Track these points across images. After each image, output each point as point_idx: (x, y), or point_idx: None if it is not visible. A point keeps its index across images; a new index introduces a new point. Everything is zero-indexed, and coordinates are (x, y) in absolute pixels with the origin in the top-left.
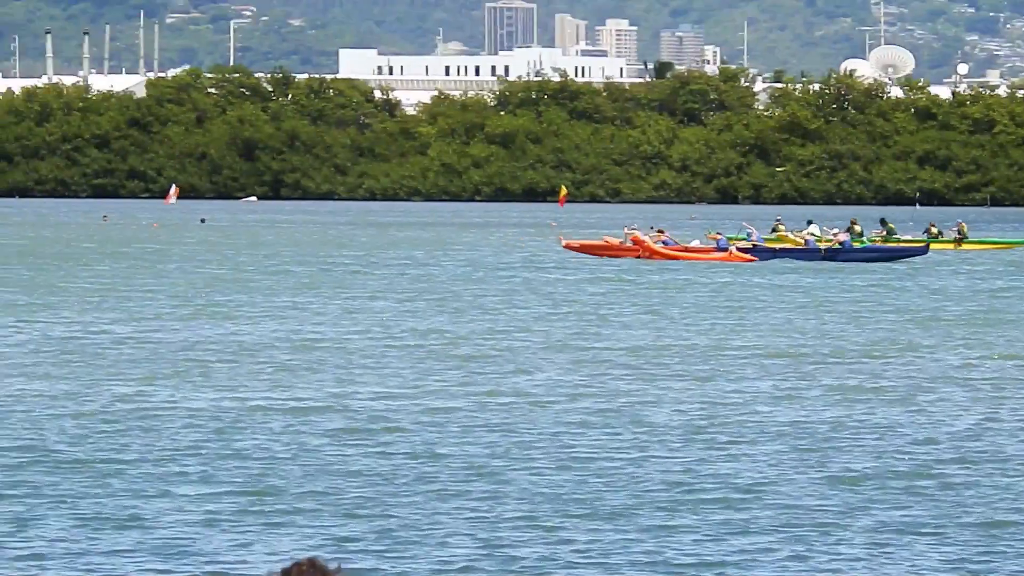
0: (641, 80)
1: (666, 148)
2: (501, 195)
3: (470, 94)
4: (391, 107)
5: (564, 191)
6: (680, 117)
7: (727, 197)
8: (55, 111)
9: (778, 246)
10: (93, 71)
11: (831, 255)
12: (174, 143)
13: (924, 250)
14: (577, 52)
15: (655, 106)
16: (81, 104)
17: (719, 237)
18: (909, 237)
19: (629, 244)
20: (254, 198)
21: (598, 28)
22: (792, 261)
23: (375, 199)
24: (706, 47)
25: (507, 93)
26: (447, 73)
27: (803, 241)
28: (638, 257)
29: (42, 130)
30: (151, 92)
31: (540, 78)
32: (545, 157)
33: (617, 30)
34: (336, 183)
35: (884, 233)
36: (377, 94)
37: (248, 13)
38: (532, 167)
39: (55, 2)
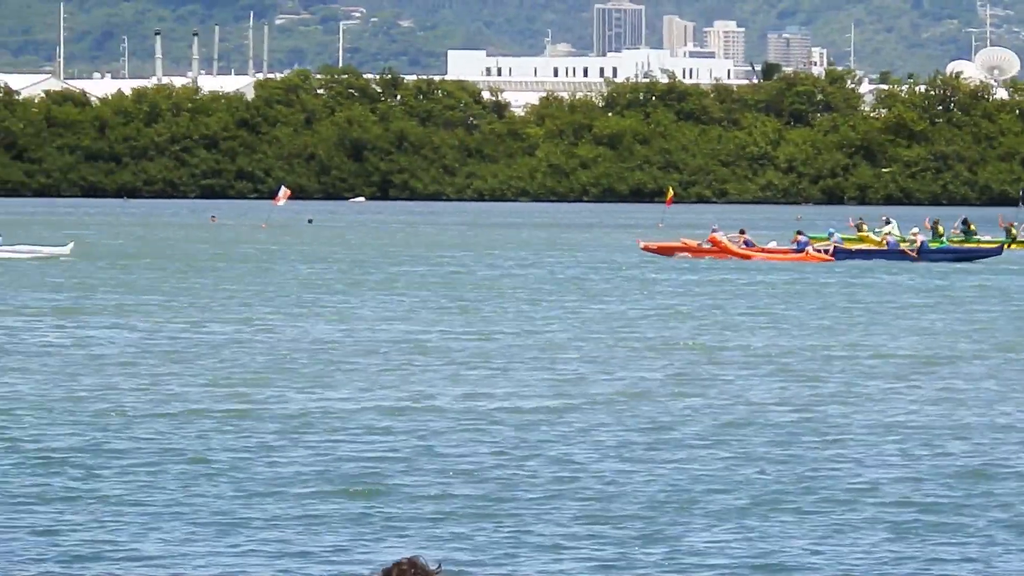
0: (748, 81)
1: (773, 149)
2: (608, 196)
3: (578, 95)
4: (499, 108)
5: (671, 192)
6: (787, 118)
7: (833, 198)
8: (164, 112)
9: (855, 247)
10: (202, 72)
11: (911, 256)
12: (282, 144)
13: (999, 251)
14: (685, 53)
15: (762, 107)
16: (190, 105)
17: (800, 238)
18: (989, 238)
19: (707, 245)
20: (362, 199)
21: (706, 29)
22: (868, 261)
23: (483, 200)
24: (813, 49)
25: (615, 94)
26: (555, 74)
27: (884, 241)
28: (714, 257)
29: (151, 131)
30: (260, 93)
31: (648, 79)
32: (652, 158)
33: (725, 31)
34: (444, 184)
35: (963, 233)
36: (485, 95)
37: (357, 14)
38: (639, 168)
39: (165, 3)
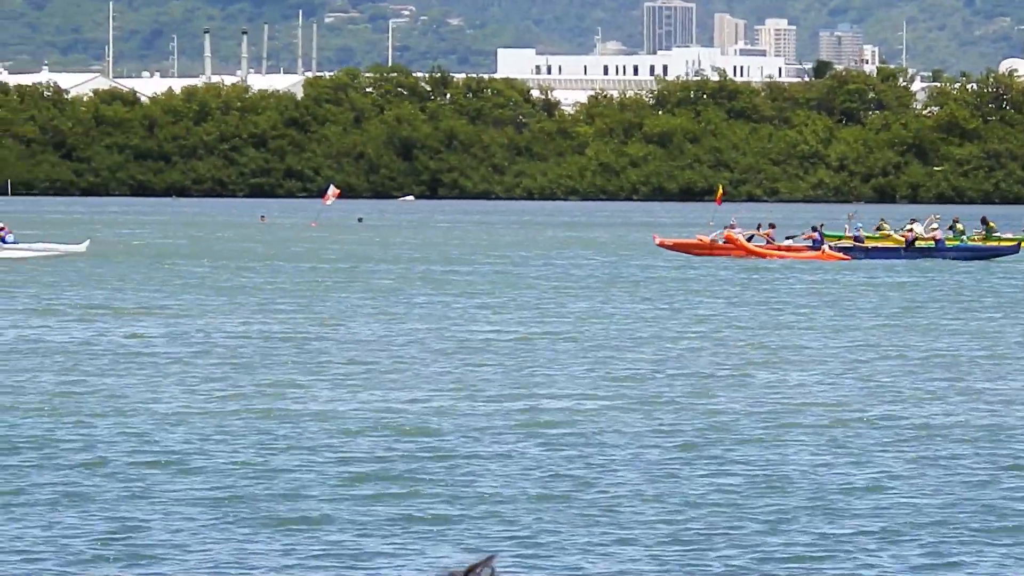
0: (799, 80)
1: (824, 147)
2: (658, 194)
3: (628, 94)
4: (549, 106)
5: (721, 190)
6: (838, 116)
7: (885, 196)
8: (213, 111)
9: (872, 245)
10: (251, 71)
11: (926, 253)
12: (332, 143)
13: (1016, 249)
14: (736, 51)
15: (813, 105)
16: (239, 104)
17: (814, 236)
18: (1010, 235)
19: (722, 243)
20: (411, 197)
21: (757, 27)
22: (883, 260)
23: (532, 198)
24: (865, 46)
25: (665, 92)
26: (605, 73)
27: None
28: (731, 255)
29: (200, 130)
30: (309, 92)
31: (698, 77)
32: (703, 156)
33: (776, 29)
34: (493, 182)
35: (984, 232)
36: (535, 93)
37: (407, 13)
38: (690, 167)
39: (213, 2)
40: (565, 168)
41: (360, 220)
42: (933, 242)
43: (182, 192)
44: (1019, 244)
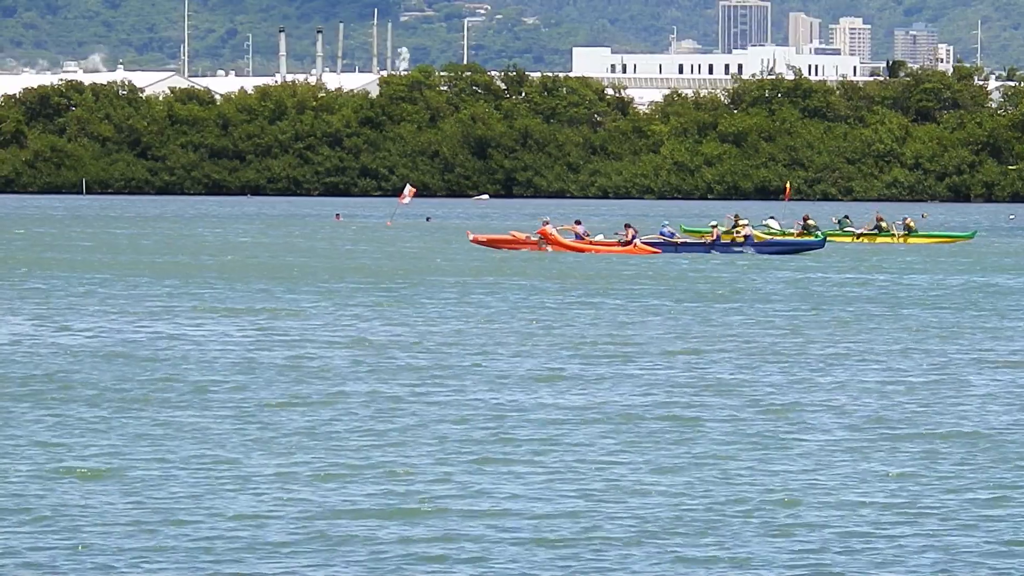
0: (874, 78)
1: (899, 146)
2: (733, 193)
3: (703, 92)
4: (624, 105)
5: (790, 185)
6: (913, 115)
7: (959, 195)
8: (288, 109)
9: (681, 240)
10: (326, 70)
11: (723, 247)
12: (406, 141)
13: (821, 244)
14: (810, 50)
15: (888, 104)
16: (314, 103)
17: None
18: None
19: (536, 238)
20: (486, 196)
21: (832, 26)
22: (689, 254)
23: (607, 197)
24: (939, 45)
25: (740, 91)
26: (680, 71)
27: (743, 235)
28: (539, 250)
29: (275, 128)
30: (384, 90)
31: (773, 76)
32: (777, 155)
33: (851, 28)
34: (568, 181)
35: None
36: (610, 92)
37: (482, 11)
38: (764, 165)
39: (289, 1)
40: (640, 167)
41: (428, 220)
42: (743, 238)
43: (256, 191)
44: (824, 238)
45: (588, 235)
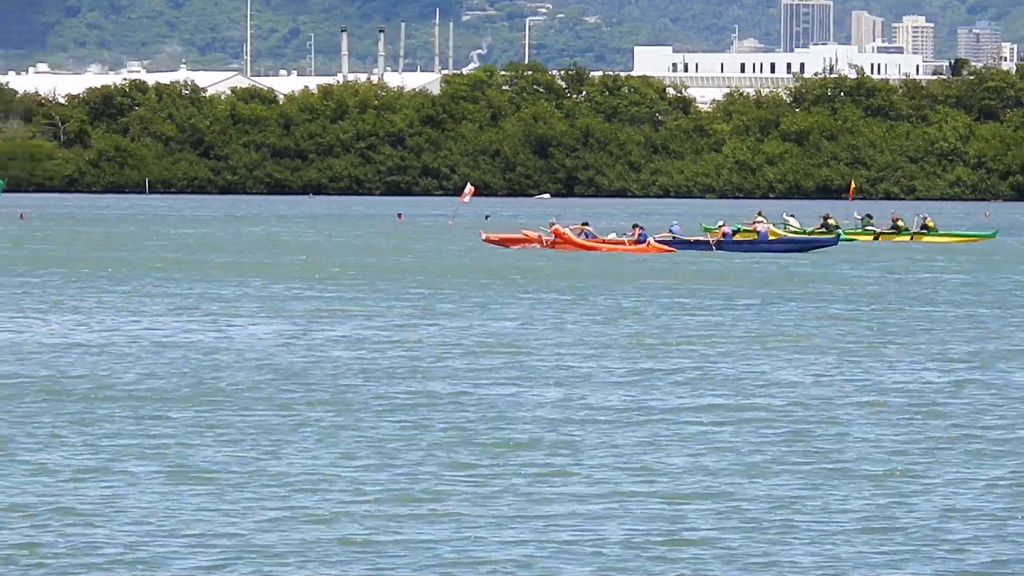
0: (937, 77)
1: (962, 145)
2: (794, 192)
3: (765, 91)
4: (685, 104)
5: (853, 184)
6: (976, 114)
7: (1022, 194)
8: (350, 109)
9: (704, 239)
10: (388, 69)
11: (725, 246)
12: (468, 140)
13: (834, 241)
14: (873, 49)
15: (951, 103)
16: (376, 102)
17: (640, 231)
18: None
19: (550, 237)
20: (547, 195)
21: (894, 25)
22: (697, 252)
23: (668, 196)
24: (1003, 43)
25: (802, 90)
26: (742, 70)
27: (757, 233)
28: (551, 247)
29: (337, 128)
30: (446, 89)
31: (835, 75)
32: (840, 154)
33: (913, 27)
34: (629, 180)
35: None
36: (671, 91)
37: (544, 10)
38: (826, 164)
39: (351, 0)
40: (701, 166)
41: (487, 218)
42: (756, 235)
43: (318, 190)
44: (838, 236)
45: (596, 236)
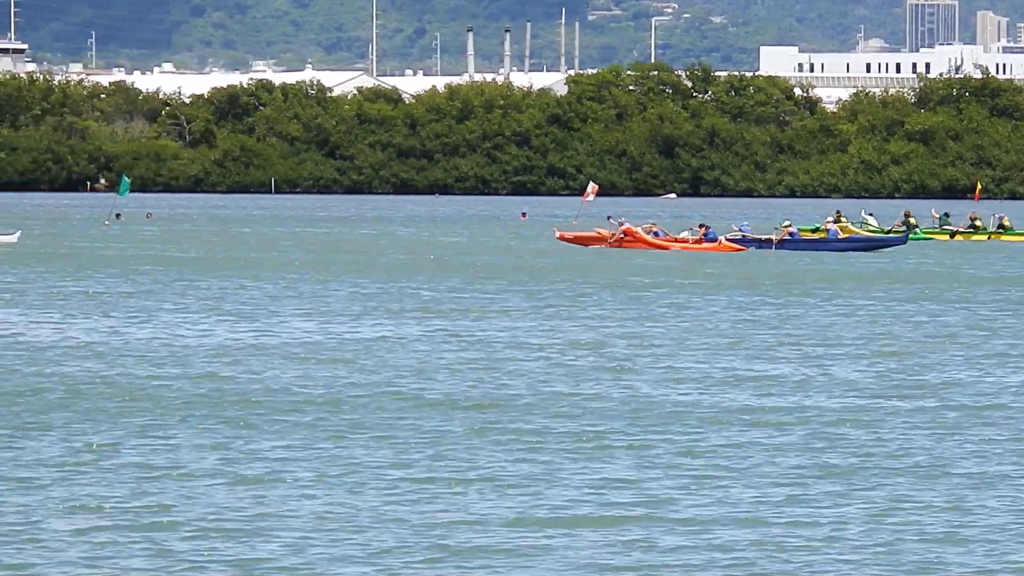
0: None
1: None
2: (920, 192)
3: (890, 91)
4: (811, 104)
5: (980, 185)
6: None
7: None
8: (476, 109)
9: (767, 238)
10: (514, 69)
11: (789, 244)
12: (594, 140)
13: (903, 240)
14: (999, 49)
15: None
16: (502, 102)
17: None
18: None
19: (621, 235)
20: (673, 195)
21: (1020, 25)
22: (779, 251)
23: (794, 196)
24: None
25: (928, 90)
26: (868, 70)
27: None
28: (620, 246)
29: (463, 127)
30: (572, 89)
31: (961, 75)
32: (965, 154)
33: None
34: (755, 180)
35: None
36: (797, 91)
37: (669, 11)
38: (951, 164)
39: (477, 0)
40: (827, 166)
41: (609, 219)
42: (826, 233)
43: (444, 190)
44: (907, 235)
45: (667, 234)
